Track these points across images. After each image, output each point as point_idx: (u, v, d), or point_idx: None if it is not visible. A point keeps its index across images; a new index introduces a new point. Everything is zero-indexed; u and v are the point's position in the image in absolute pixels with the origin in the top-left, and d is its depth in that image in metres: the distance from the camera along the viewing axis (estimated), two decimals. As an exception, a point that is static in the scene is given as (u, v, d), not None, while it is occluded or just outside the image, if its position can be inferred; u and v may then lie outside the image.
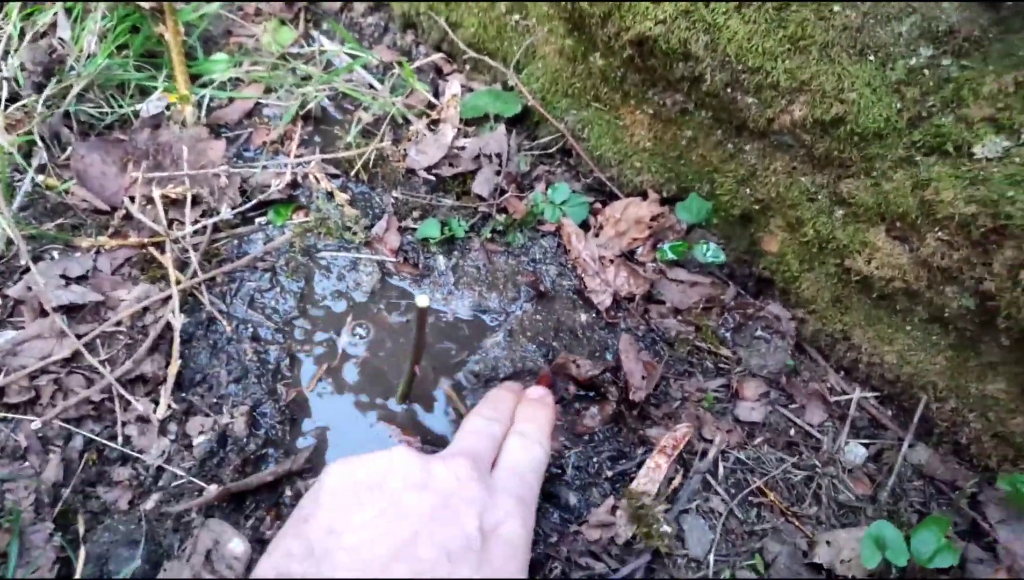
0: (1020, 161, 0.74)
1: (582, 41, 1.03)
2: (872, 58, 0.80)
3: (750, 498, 0.93)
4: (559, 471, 0.92)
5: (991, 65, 0.73)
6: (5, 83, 1.02)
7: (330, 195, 1.07)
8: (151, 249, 0.99)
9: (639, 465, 0.93)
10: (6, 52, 1.05)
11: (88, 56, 1.04)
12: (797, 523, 0.91)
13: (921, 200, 0.83)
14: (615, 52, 0.97)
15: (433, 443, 0.91)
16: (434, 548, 0.56)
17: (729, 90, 0.90)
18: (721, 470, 0.95)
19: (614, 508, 0.88)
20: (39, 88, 1.03)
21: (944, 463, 0.97)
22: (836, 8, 0.80)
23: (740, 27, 0.85)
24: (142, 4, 1.09)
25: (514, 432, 0.76)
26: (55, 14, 1.06)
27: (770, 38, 0.83)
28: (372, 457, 0.63)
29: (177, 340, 0.91)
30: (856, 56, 0.80)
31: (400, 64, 1.21)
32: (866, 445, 0.99)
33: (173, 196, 1.01)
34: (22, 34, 1.07)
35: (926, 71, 0.77)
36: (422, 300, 0.75)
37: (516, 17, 1.13)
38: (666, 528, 0.85)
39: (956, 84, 0.76)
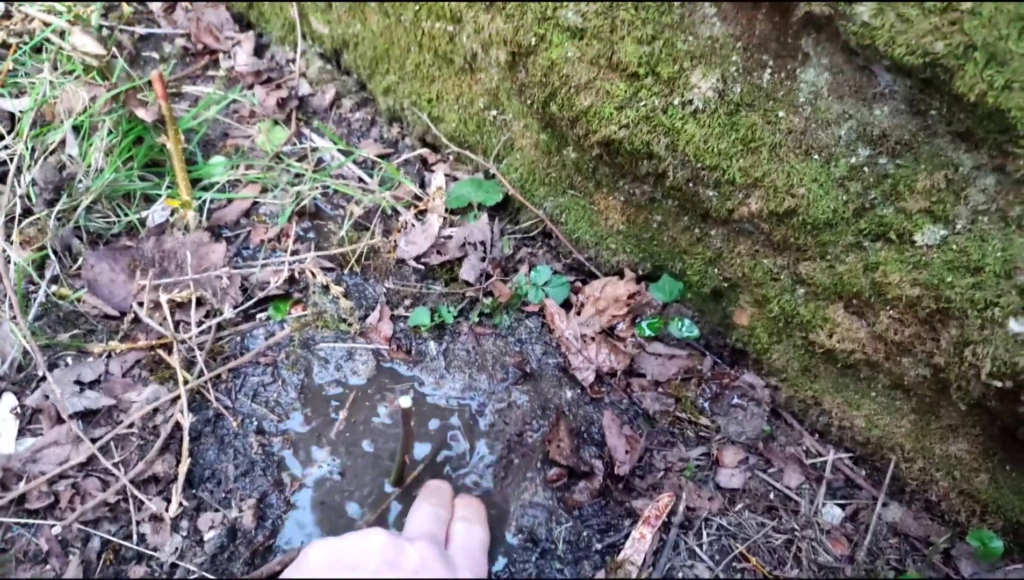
0: (957, 248, 0.82)
1: (555, 137, 1.11)
2: (817, 157, 0.87)
3: (734, 563, 0.98)
4: (552, 546, 0.97)
5: (923, 164, 0.81)
6: (19, 200, 1.09)
7: (326, 289, 1.14)
8: (159, 351, 1.05)
9: (626, 536, 0.99)
10: (19, 170, 1.13)
11: (96, 170, 1.11)
12: (779, 586, 0.96)
13: (872, 281, 0.90)
14: (585, 149, 1.05)
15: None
16: None
17: (691, 185, 0.97)
18: (705, 537, 1.00)
19: (605, 581, 0.94)
20: (50, 204, 1.10)
21: (917, 520, 1.03)
22: (781, 114, 0.87)
23: (696, 130, 0.92)
24: (145, 117, 1.17)
25: (458, 519, 0.88)
26: (64, 132, 1.14)
27: (724, 140, 0.91)
28: (351, 536, 0.72)
29: (186, 439, 0.97)
30: (802, 155, 0.88)
31: (385, 160, 1.29)
32: (842, 505, 1.04)
33: (179, 299, 1.07)
34: (33, 152, 1.14)
35: (866, 168, 0.85)
36: (405, 401, 0.83)
37: (494, 113, 1.21)
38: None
39: (893, 180, 0.84)
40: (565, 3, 0.95)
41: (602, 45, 0.95)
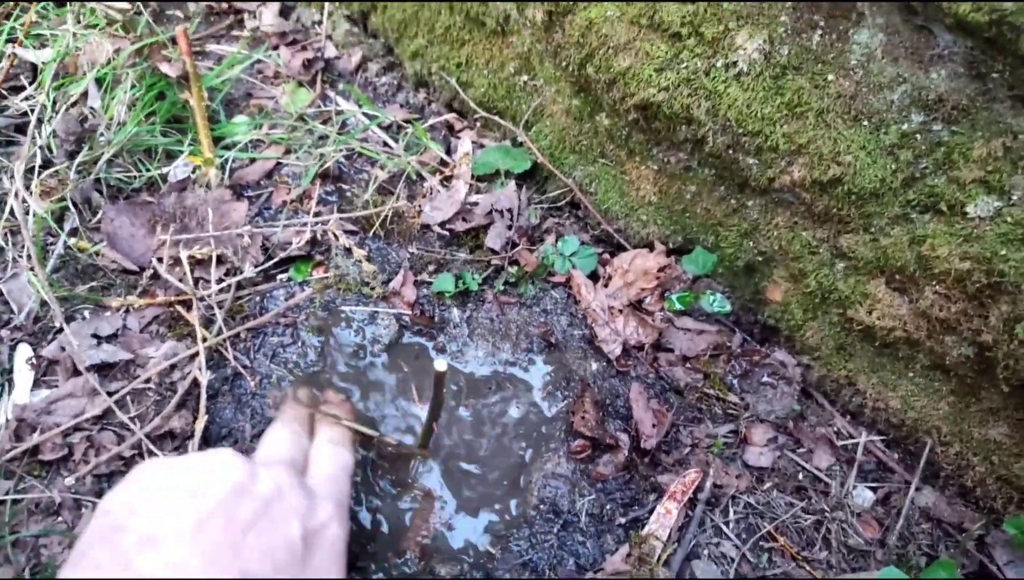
0: (1012, 221, 0.78)
1: (588, 102, 1.08)
2: (866, 123, 0.84)
3: (760, 543, 0.95)
4: (574, 518, 0.95)
5: (980, 131, 0.77)
6: (39, 151, 1.07)
7: (348, 251, 1.11)
8: (178, 307, 1.03)
9: (651, 511, 0.96)
10: (40, 121, 1.10)
11: (118, 124, 1.09)
12: (808, 568, 0.93)
13: (918, 255, 0.87)
14: (620, 114, 1.02)
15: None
16: (258, 556, 0.55)
17: (731, 152, 0.94)
18: (732, 515, 0.97)
19: (628, 556, 0.91)
20: (71, 156, 1.08)
21: (951, 505, 1.00)
22: (830, 77, 0.84)
23: (739, 94, 0.89)
24: (169, 72, 1.14)
25: (324, 441, 0.80)
26: (87, 85, 1.11)
27: (768, 104, 0.88)
28: (193, 458, 0.60)
29: (203, 396, 0.95)
30: (851, 121, 0.84)
31: (412, 124, 1.26)
32: (874, 488, 1.01)
33: (199, 256, 1.05)
34: (55, 104, 1.12)
35: (918, 136, 0.81)
36: (440, 364, 0.79)
37: (524, 78, 1.18)
38: (664, 571, 0.88)
39: (947, 148, 0.80)
40: (607, -41, 0.92)
41: (644, 4, 0.91)
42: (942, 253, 0.84)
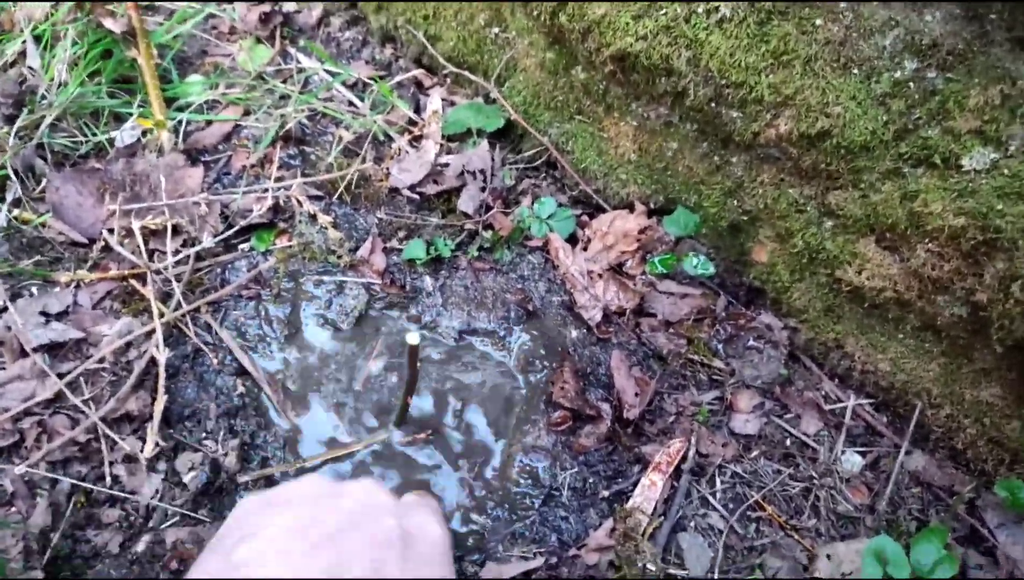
0: (1008, 173, 0.74)
1: (563, 55, 1.02)
2: (856, 72, 0.79)
3: (748, 513, 0.92)
4: (556, 492, 0.91)
5: (976, 78, 0.73)
6: (-25, 116, 0.99)
7: (313, 218, 1.06)
8: (132, 281, 0.97)
9: (635, 483, 0.93)
10: (-25, 83, 1.03)
11: (60, 84, 1.01)
12: (796, 536, 0.91)
13: (910, 212, 0.82)
14: (596, 67, 0.96)
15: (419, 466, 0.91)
16: (356, 547, 0.55)
17: (713, 105, 0.89)
18: (718, 484, 0.94)
19: (613, 530, 0.88)
20: (10, 120, 1.00)
21: (941, 469, 0.97)
22: (818, 22, 0.78)
23: (722, 42, 0.83)
24: (113, 28, 1.07)
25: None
26: (23, 43, 1.04)
27: (752, 53, 0.82)
28: (283, 485, 0.62)
29: (163, 375, 0.90)
30: (840, 70, 0.79)
31: (377, 81, 1.19)
32: (862, 453, 0.99)
33: (153, 227, 0.99)
34: (-9, 64, 1.04)
35: (911, 84, 0.77)
36: (413, 337, 0.75)
37: (495, 30, 1.11)
38: (650, 546, 0.85)
39: (942, 97, 0.75)
40: None
41: (620, -55, 0.85)
42: (935, 209, 0.80)
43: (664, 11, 0.85)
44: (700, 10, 0.83)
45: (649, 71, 0.90)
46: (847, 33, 0.78)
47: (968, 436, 0.95)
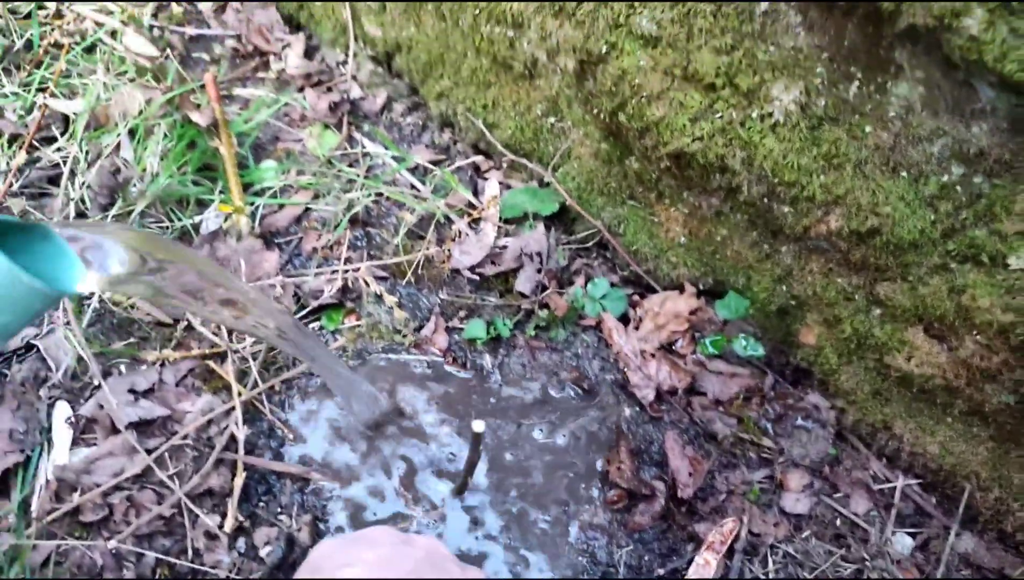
0: (1055, 274, 0.78)
1: (618, 146, 1.08)
2: (905, 174, 0.84)
3: (802, 593, 0.95)
4: (612, 569, 0.94)
5: (1022, 185, 0.77)
6: (72, 204, 1.07)
7: (379, 298, 1.11)
8: (210, 362, 1.03)
9: (689, 562, 0.95)
10: (72, 173, 1.11)
11: (151, 175, 1.09)
12: (850, 619, 0.93)
13: (958, 305, 0.86)
14: (652, 161, 1.02)
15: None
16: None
17: (766, 200, 0.94)
18: (771, 564, 0.97)
19: (670, 609, 0.91)
20: (104, 208, 1.08)
21: (990, 551, 0.99)
22: (868, 129, 0.84)
23: (775, 145, 0.89)
24: (199, 121, 1.15)
25: None
26: (118, 135, 1.12)
27: (805, 155, 0.88)
28: (358, 532, 0.72)
29: (241, 452, 0.95)
30: (889, 173, 0.84)
31: (438, 166, 1.27)
32: (912, 534, 1.01)
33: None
34: (87, 155, 1.12)
35: (958, 187, 0.81)
36: (478, 426, 0.81)
37: (552, 120, 1.18)
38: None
39: (988, 200, 0.80)
40: (639, 10, 0.92)
41: (677, 54, 0.91)
42: (983, 304, 0.83)
43: (720, 115, 0.91)
44: (754, 115, 0.89)
45: (704, 168, 0.96)
46: (896, 140, 0.83)
47: (1017, 519, 0.96)
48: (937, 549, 0.99)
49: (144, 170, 1.10)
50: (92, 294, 1.04)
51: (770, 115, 0.88)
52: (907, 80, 0.80)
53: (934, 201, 0.83)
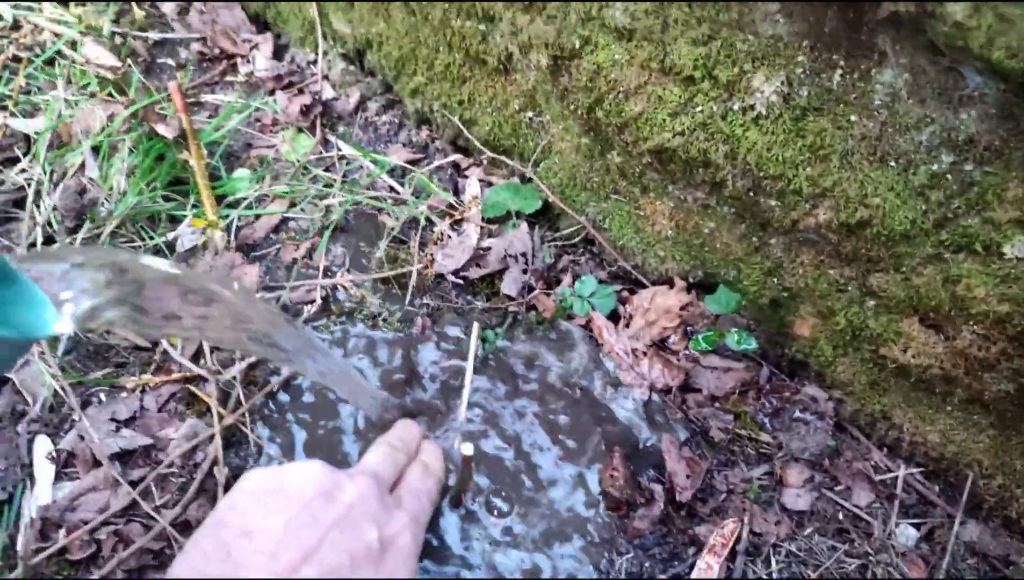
0: (1052, 262, 0.75)
1: (598, 141, 1.05)
2: (893, 164, 0.81)
3: (805, 591, 0.93)
4: (614, 578, 0.93)
5: (1014, 171, 0.74)
6: (39, 229, 1.04)
7: (362, 301, 1.09)
8: (190, 386, 1.00)
9: (691, 567, 0.94)
10: (38, 194, 1.08)
11: (119, 193, 1.06)
12: (854, 615, 0.92)
13: (953, 295, 0.84)
14: (634, 156, 0.99)
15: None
16: (338, 552, 0.63)
17: (751, 194, 0.91)
18: (774, 564, 0.95)
19: (672, 617, 0.89)
20: (73, 230, 1.05)
21: (996, 538, 0.97)
22: (853, 118, 0.80)
23: (759, 137, 0.86)
24: (166, 133, 1.12)
25: (419, 462, 0.85)
26: (82, 154, 1.09)
27: (789, 147, 0.85)
28: (289, 467, 0.70)
29: (222, 482, 0.93)
30: (877, 163, 0.81)
31: (415, 165, 1.23)
32: (916, 525, 0.99)
33: (211, 328, 1.02)
34: (51, 176, 1.09)
35: (949, 176, 0.78)
36: (467, 448, 0.80)
37: (530, 115, 1.15)
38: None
39: (980, 188, 0.77)
40: (612, 2, 0.88)
41: (653, 47, 0.88)
42: (979, 294, 0.81)
43: (700, 108, 0.88)
44: (736, 107, 0.86)
45: (687, 163, 0.93)
46: (883, 129, 0.80)
47: (1021, 505, 0.95)
48: (942, 539, 0.97)
49: (111, 189, 1.06)
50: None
51: (752, 107, 0.85)
52: (891, 67, 0.77)
53: (925, 191, 0.80)
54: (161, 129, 1.13)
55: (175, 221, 1.13)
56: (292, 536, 0.63)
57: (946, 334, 0.88)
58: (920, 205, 0.81)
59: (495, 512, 0.94)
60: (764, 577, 0.93)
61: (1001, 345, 0.82)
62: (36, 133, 1.14)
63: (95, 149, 1.11)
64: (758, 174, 0.88)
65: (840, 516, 0.99)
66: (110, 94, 1.18)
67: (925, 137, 0.78)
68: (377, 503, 0.71)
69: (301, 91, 1.34)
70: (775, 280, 1.01)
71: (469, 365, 1.02)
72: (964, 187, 0.78)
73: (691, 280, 1.11)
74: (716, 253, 1.06)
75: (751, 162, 0.87)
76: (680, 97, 0.89)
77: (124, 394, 1.00)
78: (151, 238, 1.10)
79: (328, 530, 0.64)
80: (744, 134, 0.86)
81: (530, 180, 1.19)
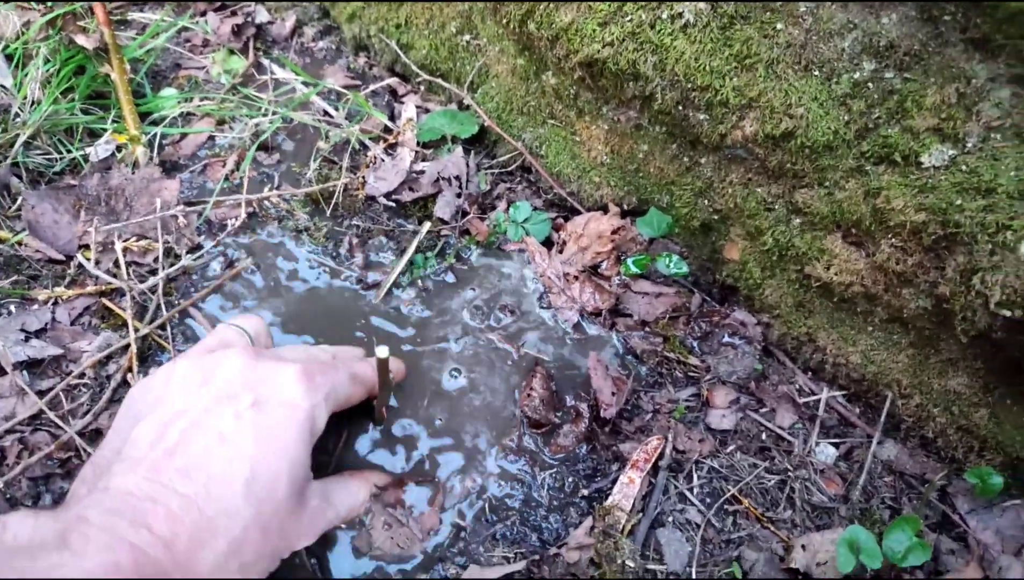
0: (966, 169, 0.76)
1: (533, 61, 1.03)
2: (817, 73, 0.81)
3: (725, 507, 0.94)
4: (536, 493, 0.93)
5: (932, 77, 0.75)
6: (-51, 135, 1.00)
7: (290, 213, 1.06)
8: (104, 301, 0.97)
9: (614, 482, 0.94)
10: (-53, 102, 1.03)
11: (33, 103, 1.02)
12: (772, 528, 0.93)
13: (873, 208, 0.84)
14: (566, 72, 0.98)
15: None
16: (204, 443, 0.67)
17: (680, 108, 0.91)
18: (695, 480, 0.96)
19: (592, 528, 0.89)
20: (-15, 138, 1.01)
21: (912, 457, 0.99)
22: (779, 26, 0.80)
23: (687, 47, 0.85)
24: (86, 44, 1.07)
25: (344, 358, 0.87)
26: (-5, 61, 1.04)
27: (716, 57, 0.84)
28: (166, 373, 0.74)
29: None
30: (802, 72, 0.81)
31: (351, 90, 1.20)
32: (836, 444, 1.01)
33: (134, 248, 0.99)
34: (-38, 83, 1.04)
35: (870, 84, 0.78)
36: (382, 351, 0.76)
37: (467, 38, 1.13)
38: (629, 543, 0.86)
39: (900, 96, 0.77)
40: (543, -94, 0.86)
41: (584, -47, 0.86)
42: (897, 205, 0.82)
43: (629, 17, 0.87)
44: (664, 16, 0.85)
45: (617, 76, 0.92)
46: (807, 36, 0.80)
47: (938, 425, 0.97)
48: (860, 457, 0.99)
49: (25, 97, 1.02)
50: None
51: (680, 15, 0.84)
52: (817, -30, 0.77)
53: (847, 100, 0.81)
54: (81, 40, 1.08)
55: (94, 136, 1.09)
56: (165, 426, 0.68)
57: (867, 250, 0.89)
58: (842, 115, 0.81)
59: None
60: (685, 491, 0.94)
61: (917, 257, 0.83)
62: (-54, 39, 1.08)
63: (8, 57, 1.06)
64: (686, 85, 0.88)
65: (763, 436, 1.00)
66: (27, 1, 1.12)
67: (848, 44, 0.78)
68: (252, 375, 0.73)
69: (234, 13, 1.30)
70: (706, 201, 1.01)
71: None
72: (884, 95, 0.79)
73: (625, 206, 1.11)
74: (650, 178, 1.06)
75: (679, 73, 0.87)
76: (609, 6, 0.88)
77: (35, 306, 0.96)
78: (69, 151, 1.06)
79: (214, 400, 0.70)
80: (672, 43, 0.86)
81: (467, 107, 1.17)
